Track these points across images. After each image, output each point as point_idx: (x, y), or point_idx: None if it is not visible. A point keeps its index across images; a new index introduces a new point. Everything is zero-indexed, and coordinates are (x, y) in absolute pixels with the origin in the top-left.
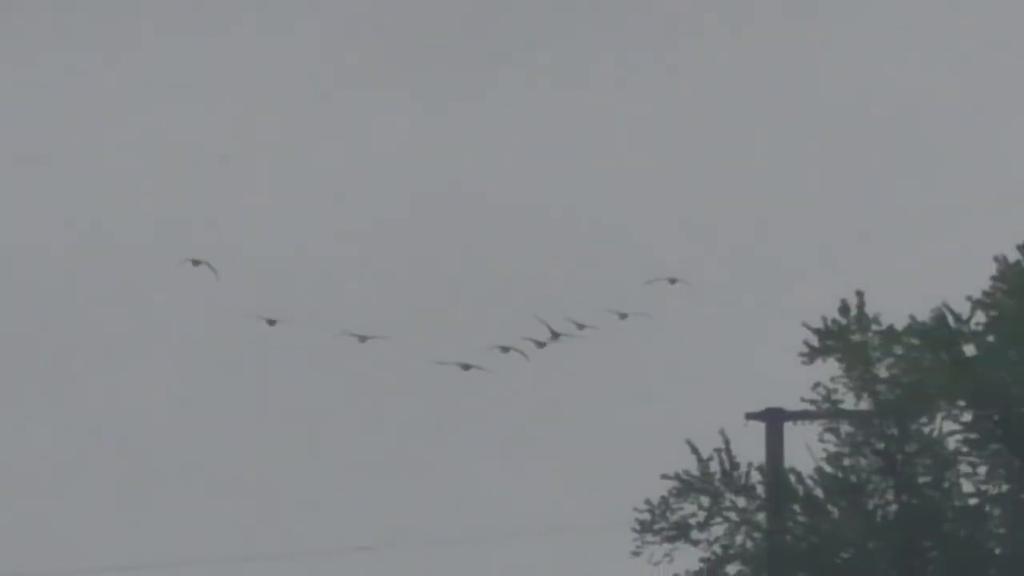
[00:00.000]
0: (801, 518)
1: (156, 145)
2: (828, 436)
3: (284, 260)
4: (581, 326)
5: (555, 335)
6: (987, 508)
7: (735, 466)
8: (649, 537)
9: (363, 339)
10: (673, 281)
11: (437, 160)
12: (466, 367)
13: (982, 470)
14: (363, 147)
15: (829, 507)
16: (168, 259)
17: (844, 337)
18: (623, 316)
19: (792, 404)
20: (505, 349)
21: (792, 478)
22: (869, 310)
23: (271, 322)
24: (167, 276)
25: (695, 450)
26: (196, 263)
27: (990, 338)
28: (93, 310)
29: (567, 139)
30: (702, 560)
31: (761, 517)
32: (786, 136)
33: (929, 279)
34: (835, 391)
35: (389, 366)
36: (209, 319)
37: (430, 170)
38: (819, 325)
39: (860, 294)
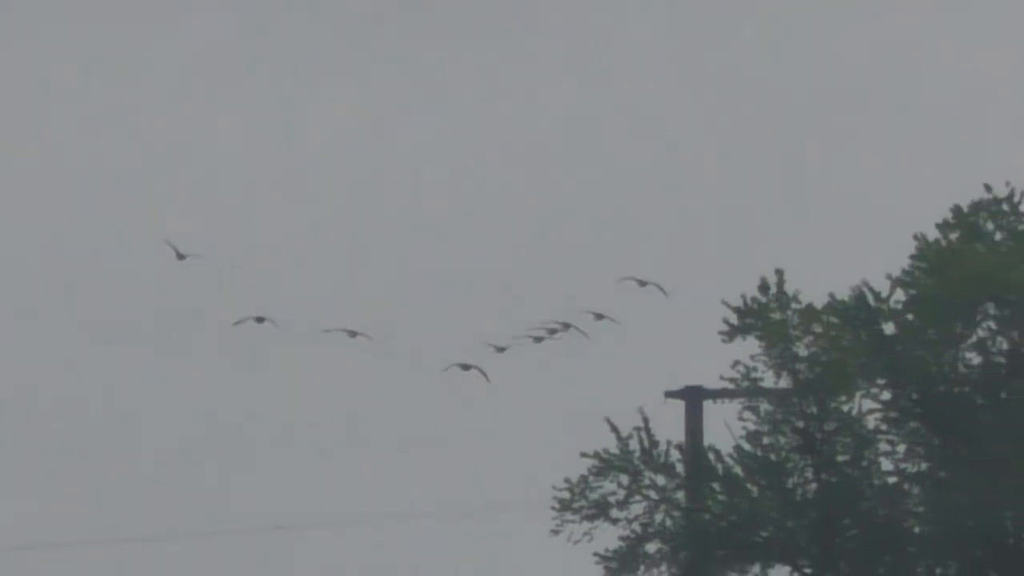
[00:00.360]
0: (720, 496)
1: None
2: (747, 414)
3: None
4: (552, 330)
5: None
6: (906, 486)
7: (654, 444)
8: (568, 516)
9: (352, 335)
10: (600, 317)
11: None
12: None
13: (901, 449)
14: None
15: (748, 485)
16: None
17: (764, 315)
18: (599, 317)
19: (712, 382)
20: (466, 367)
21: (711, 456)
22: (789, 288)
23: (259, 320)
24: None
25: (614, 428)
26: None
27: (909, 317)
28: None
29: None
30: (621, 538)
31: (680, 495)
32: (708, 115)
33: (848, 257)
34: (755, 369)
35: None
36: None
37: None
38: (739, 303)
39: (780, 272)
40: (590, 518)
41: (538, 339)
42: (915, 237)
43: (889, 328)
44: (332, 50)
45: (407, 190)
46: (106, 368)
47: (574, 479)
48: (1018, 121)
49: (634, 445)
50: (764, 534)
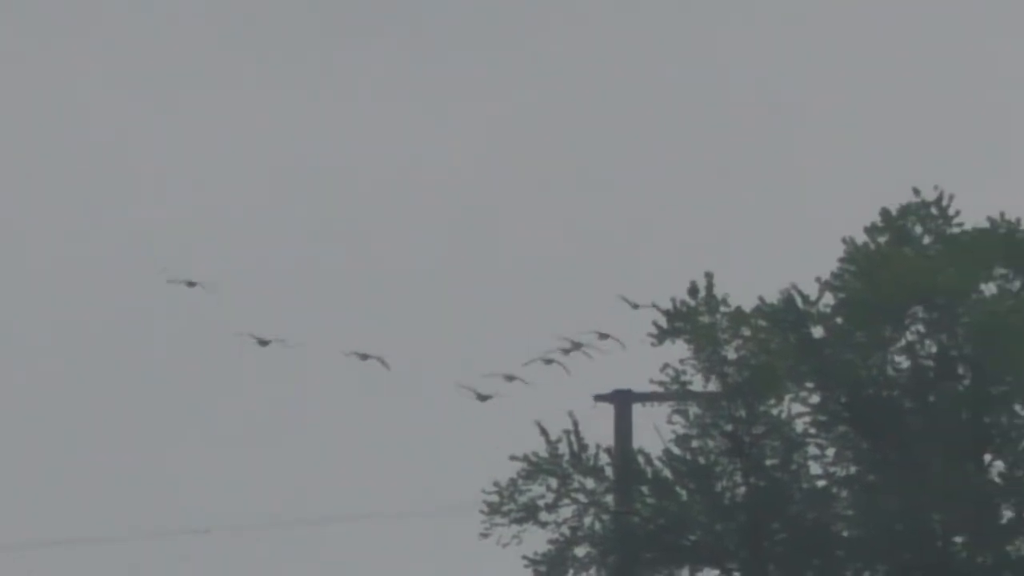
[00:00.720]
0: (649, 500)
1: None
2: (677, 418)
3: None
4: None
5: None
6: (834, 490)
7: (584, 448)
8: (498, 519)
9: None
10: (604, 336)
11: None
12: (365, 357)
13: (830, 452)
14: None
15: (677, 489)
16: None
17: (693, 319)
18: (604, 337)
19: (641, 386)
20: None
21: (640, 459)
22: (718, 292)
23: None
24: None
25: (544, 432)
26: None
27: (838, 320)
28: None
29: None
30: (550, 541)
31: (609, 498)
32: (637, 122)
33: (777, 261)
34: (684, 373)
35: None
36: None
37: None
38: (668, 307)
39: (709, 276)
40: (519, 521)
41: (548, 361)
42: (844, 240)
43: (818, 332)
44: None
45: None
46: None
47: (503, 482)
48: (946, 124)
49: (563, 448)
50: (693, 537)
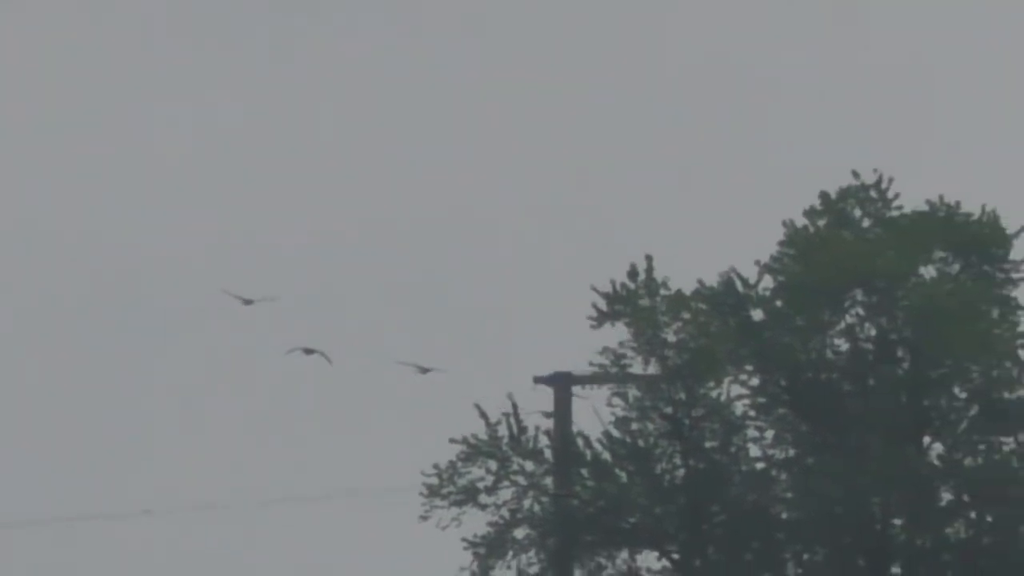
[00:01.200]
0: (589, 482)
1: None
2: (616, 400)
3: None
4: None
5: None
6: (774, 473)
7: (523, 430)
8: (437, 501)
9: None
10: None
11: None
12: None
13: (769, 435)
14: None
15: (617, 471)
16: None
17: (632, 302)
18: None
19: (581, 368)
20: (309, 351)
21: (580, 442)
22: (657, 275)
23: (308, 351)
24: None
25: (483, 414)
26: (309, 352)
27: (777, 303)
28: None
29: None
30: (490, 524)
31: (549, 481)
32: (576, 99)
33: (717, 244)
34: (623, 355)
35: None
36: None
37: None
38: (608, 290)
39: (649, 259)
40: (458, 504)
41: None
42: (783, 224)
43: (757, 315)
44: None
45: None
46: None
47: (443, 465)
48: (885, 107)
49: (503, 431)
50: (632, 520)
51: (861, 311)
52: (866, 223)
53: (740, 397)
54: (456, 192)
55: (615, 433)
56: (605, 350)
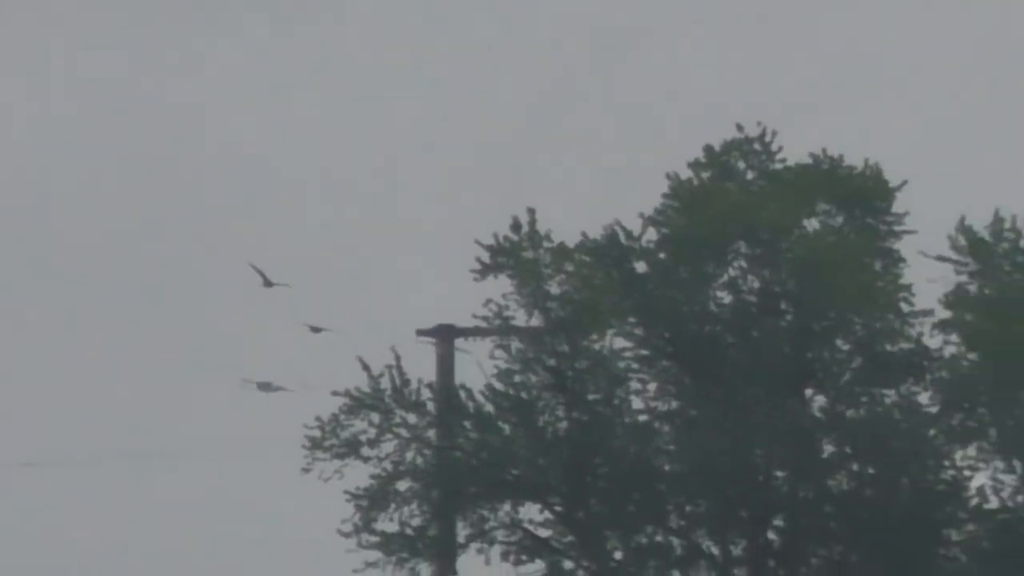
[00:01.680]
0: (472, 434)
1: None
2: (499, 353)
3: None
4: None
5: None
6: (656, 425)
7: (406, 383)
8: (319, 454)
9: (316, 330)
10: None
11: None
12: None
13: (652, 387)
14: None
15: (500, 423)
16: None
17: (516, 254)
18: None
19: (464, 321)
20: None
21: (463, 395)
22: (541, 227)
23: (316, 329)
24: None
25: (366, 367)
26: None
27: (661, 256)
28: None
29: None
30: (372, 476)
31: (432, 433)
32: (453, 48)
33: (601, 196)
34: (507, 308)
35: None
36: None
37: None
38: (491, 242)
39: (532, 211)
40: (341, 456)
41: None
42: (667, 176)
43: (641, 267)
44: None
45: None
46: None
47: (325, 418)
48: (769, 60)
49: (385, 383)
50: (515, 472)
51: (745, 263)
52: (750, 176)
53: (623, 350)
54: (337, 145)
55: (498, 386)
56: (488, 302)
